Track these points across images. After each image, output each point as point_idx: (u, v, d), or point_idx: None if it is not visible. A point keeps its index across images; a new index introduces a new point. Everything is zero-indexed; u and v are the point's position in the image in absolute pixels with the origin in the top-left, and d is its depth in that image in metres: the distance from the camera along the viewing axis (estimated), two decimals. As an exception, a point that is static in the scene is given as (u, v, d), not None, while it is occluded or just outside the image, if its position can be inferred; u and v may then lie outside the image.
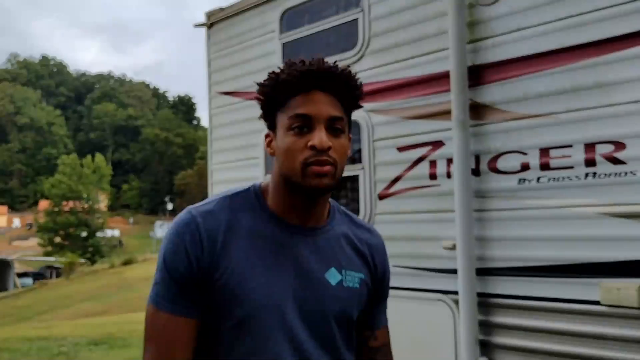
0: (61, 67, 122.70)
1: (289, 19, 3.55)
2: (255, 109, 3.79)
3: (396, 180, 2.93)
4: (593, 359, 2.25)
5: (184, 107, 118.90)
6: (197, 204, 1.26)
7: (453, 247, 2.65)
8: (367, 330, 1.37)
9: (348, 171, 3.18)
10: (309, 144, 1.16)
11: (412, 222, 2.88)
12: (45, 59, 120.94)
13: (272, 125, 1.24)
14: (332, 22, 3.28)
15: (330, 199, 1.33)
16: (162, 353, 1.18)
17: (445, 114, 2.71)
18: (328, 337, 1.25)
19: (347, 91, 1.22)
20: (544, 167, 2.41)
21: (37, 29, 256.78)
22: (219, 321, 1.20)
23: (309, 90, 1.18)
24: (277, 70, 1.22)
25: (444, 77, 2.72)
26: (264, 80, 1.23)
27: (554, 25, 2.43)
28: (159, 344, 1.19)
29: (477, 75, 2.65)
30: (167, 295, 1.19)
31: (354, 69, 3.24)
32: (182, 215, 1.23)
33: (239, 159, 3.75)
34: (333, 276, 1.25)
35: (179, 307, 1.19)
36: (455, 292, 2.61)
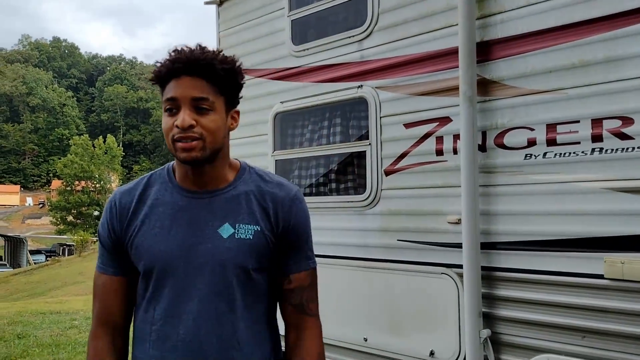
0: (73, 49, 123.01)
1: (298, -4, 3.54)
2: (264, 86, 3.81)
3: (403, 156, 2.95)
4: (596, 332, 2.28)
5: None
6: (125, 185, 1.58)
7: (458, 222, 2.67)
8: (281, 277, 1.53)
9: (355, 147, 3.21)
10: (174, 123, 1.38)
11: (418, 197, 2.90)
12: (56, 41, 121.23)
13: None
14: (341, -2, 3.27)
15: (243, 162, 1.57)
16: (102, 306, 1.51)
17: (453, 90, 2.72)
18: (222, 284, 1.43)
19: (214, 73, 1.38)
20: (551, 142, 2.42)
21: (48, 11, 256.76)
22: (136, 274, 1.50)
23: (178, 76, 1.38)
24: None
25: (452, 53, 2.72)
26: (155, 68, 1.44)
27: (563, 0, 2.42)
28: (100, 299, 1.52)
29: (486, 51, 2.64)
30: (101, 259, 1.54)
31: (362, 45, 3.24)
32: (110, 195, 1.55)
33: (248, 135, 3.78)
34: (226, 230, 1.44)
35: (108, 268, 1.52)
36: (460, 266, 2.64)
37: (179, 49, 1.41)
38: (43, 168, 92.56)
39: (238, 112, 1.51)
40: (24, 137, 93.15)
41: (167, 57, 1.41)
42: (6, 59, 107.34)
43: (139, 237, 1.46)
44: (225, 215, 1.46)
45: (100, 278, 1.53)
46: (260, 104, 3.69)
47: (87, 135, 58.41)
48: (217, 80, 1.40)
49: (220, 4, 4.06)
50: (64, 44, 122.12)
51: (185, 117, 1.37)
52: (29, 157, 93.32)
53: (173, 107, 1.39)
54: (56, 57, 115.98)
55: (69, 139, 66.57)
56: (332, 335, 2.96)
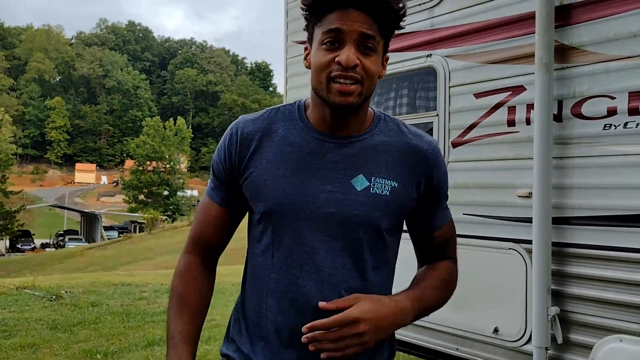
0: (146, 33, 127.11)
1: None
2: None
3: (471, 127, 2.86)
4: (675, 314, 2.14)
5: (261, 74, 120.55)
6: (249, 114, 1.40)
7: (529, 196, 2.56)
8: (424, 234, 1.42)
9: (421, 118, 3.13)
10: (336, 59, 1.19)
11: (486, 170, 2.80)
12: (131, 25, 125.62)
13: (310, 39, 1.28)
14: (412, -35, 3.19)
15: (377, 110, 1.38)
16: (200, 228, 1.41)
17: (528, 57, 2.60)
18: (350, 241, 1.27)
19: (385, 11, 1.21)
20: (633, 111, 2.27)
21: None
22: (251, 214, 1.38)
23: (346, 8, 1.20)
24: None
25: (528, 18, 2.60)
26: None
27: (653, -42, 2.25)
28: (199, 220, 1.42)
29: (565, 15, 2.51)
30: (211, 186, 1.41)
31: (433, 13, 3.14)
32: (232, 122, 1.38)
33: (313, 107, 3.77)
34: (360, 182, 1.27)
35: (216, 196, 1.39)
36: (529, 242, 2.53)
37: None
38: (117, 148, 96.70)
39: (387, 58, 1.33)
40: (100, 118, 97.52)
41: None
42: (85, 42, 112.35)
43: (260, 175, 1.30)
44: (361, 166, 1.29)
45: (206, 201, 1.41)
46: (326, 75, 3.67)
47: (159, 117, 60.39)
48: (385, 21, 1.23)
49: (288, -25, 4.05)
50: (138, 27, 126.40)
51: (350, 54, 1.19)
52: (104, 137, 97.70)
53: (336, 40, 1.20)
54: (131, 41, 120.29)
55: (142, 121, 69.17)
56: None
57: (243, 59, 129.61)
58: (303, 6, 1.25)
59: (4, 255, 33.65)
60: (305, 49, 1.31)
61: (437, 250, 1.43)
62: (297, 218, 1.27)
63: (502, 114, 2.73)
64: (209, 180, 1.42)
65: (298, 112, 1.34)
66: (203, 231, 1.40)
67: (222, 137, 1.37)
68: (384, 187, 1.28)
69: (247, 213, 1.40)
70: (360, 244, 1.28)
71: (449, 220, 1.44)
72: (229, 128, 1.37)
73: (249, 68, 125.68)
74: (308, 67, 1.28)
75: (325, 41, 1.21)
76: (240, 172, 1.32)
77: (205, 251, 1.40)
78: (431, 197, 1.36)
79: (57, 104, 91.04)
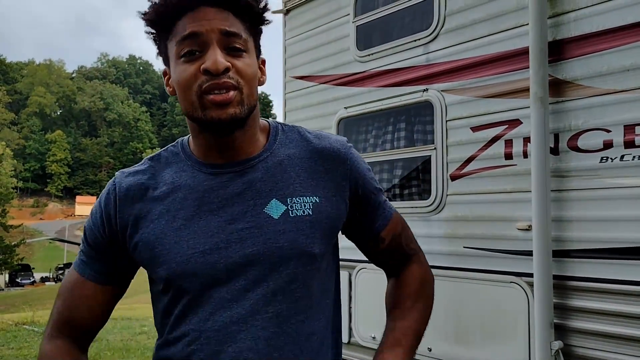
0: (147, 66, 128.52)
1: (363, 2, 3.55)
2: (328, 92, 3.84)
3: (469, 160, 2.87)
4: (680, 348, 2.12)
5: (261, 104, 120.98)
6: (128, 168, 1.17)
7: (528, 228, 2.56)
8: (370, 241, 1.23)
9: (420, 152, 3.15)
10: (202, 67, 0.98)
11: (485, 202, 2.81)
12: (132, 58, 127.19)
13: (166, 60, 1.07)
14: (406, 2, 3.25)
15: (268, 120, 1.19)
16: (64, 310, 1.13)
17: (523, 91, 2.63)
18: (282, 280, 1.05)
19: (241, 3, 1.02)
20: (629, 144, 2.29)
21: (126, 29, 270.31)
22: (152, 283, 1.13)
23: (194, 8, 0.99)
24: None
25: (522, 54, 2.64)
26: (146, 9, 1.04)
27: (643, -5, 2.29)
28: (65, 300, 1.14)
29: (558, 50, 2.54)
30: (82, 259, 1.14)
31: (428, 48, 3.20)
32: (109, 181, 1.15)
33: (312, 141, 3.80)
34: (275, 208, 1.07)
35: (89, 271, 1.12)
36: (530, 275, 2.52)
37: None
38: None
39: (264, 61, 1.14)
40: (101, 151, 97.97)
41: None
42: (86, 76, 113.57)
43: (153, 234, 1.05)
44: (271, 190, 1.07)
45: (74, 278, 1.13)
46: (325, 110, 3.71)
47: (159, 148, 60.54)
48: (245, 13, 1.03)
49: (286, 12, 4.13)
50: (139, 61, 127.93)
51: (217, 57, 0.98)
52: (105, 170, 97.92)
53: (195, 47, 0.99)
54: (132, 74, 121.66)
55: (142, 153, 69.51)
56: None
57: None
58: (145, 22, 1.04)
59: (3, 290, 33.37)
60: (164, 74, 1.11)
61: (393, 251, 1.25)
62: (213, 277, 1.03)
63: (499, 147, 2.75)
64: (79, 252, 1.16)
65: (183, 151, 1.13)
66: (71, 313, 1.13)
67: (98, 199, 1.14)
68: (304, 205, 1.08)
69: (148, 282, 1.14)
70: (295, 281, 1.06)
71: (393, 214, 1.25)
72: (105, 187, 1.14)
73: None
74: (172, 92, 1.08)
75: (182, 53, 1.00)
76: (125, 236, 1.08)
77: (76, 334, 1.14)
78: (362, 199, 1.18)
79: (58, 137, 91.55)
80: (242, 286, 1.03)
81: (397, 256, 1.27)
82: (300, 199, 1.08)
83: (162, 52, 1.07)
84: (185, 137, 1.16)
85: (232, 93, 0.99)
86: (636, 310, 2.24)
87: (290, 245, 1.05)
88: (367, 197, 1.19)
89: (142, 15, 1.03)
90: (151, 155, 1.16)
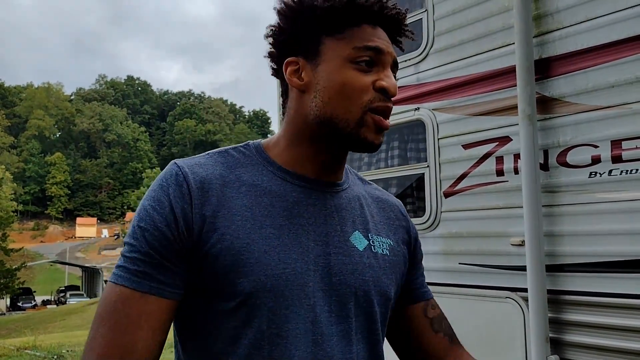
0: (145, 87, 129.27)
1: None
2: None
3: (462, 177, 2.92)
4: (673, 359, 2.14)
5: (259, 121, 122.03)
6: (186, 158, 0.99)
7: (522, 244, 2.60)
8: (420, 302, 1.12)
9: (413, 170, 3.19)
10: (379, 84, 0.92)
11: (478, 219, 2.85)
12: (130, 79, 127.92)
13: (307, 50, 0.96)
14: (397, 23, 3.31)
15: None
16: (117, 337, 0.84)
17: (512, 109, 2.68)
18: (364, 318, 0.97)
19: (399, 40, 1.00)
20: (616, 159, 2.33)
21: (123, 50, 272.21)
22: (213, 303, 0.89)
23: (374, 24, 0.95)
24: None
25: (509, 72, 2.69)
26: None
27: (624, 13, 2.35)
28: (116, 324, 0.85)
29: (545, 68, 2.60)
30: (136, 268, 0.87)
31: (418, 68, 3.24)
32: (166, 168, 0.95)
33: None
34: (359, 240, 0.99)
35: (152, 283, 0.87)
36: (525, 290, 2.55)
37: None
38: (118, 201, 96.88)
39: None
40: (100, 172, 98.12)
41: None
42: (84, 97, 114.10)
43: (238, 238, 0.89)
44: (353, 221, 1.00)
45: (127, 296, 0.86)
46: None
47: (159, 168, 60.84)
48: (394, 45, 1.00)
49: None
50: (137, 81, 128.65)
51: (395, 81, 0.94)
52: (105, 191, 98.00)
53: (375, 60, 0.93)
54: (130, 95, 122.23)
55: (142, 172, 69.62)
56: (394, 361, 2.92)
57: (241, 107, 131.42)
58: (317, 10, 0.94)
59: (4, 314, 33.26)
60: (292, 63, 0.97)
61: (445, 323, 1.13)
62: (300, 298, 0.90)
63: (490, 164, 2.79)
64: (126, 263, 0.88)
65: (258, 154, 1.00)
66: (130, 339, 0.84)
67: (154, 189, 0.91)
68: (383, 245, 1.02)
69: (190, 304, 0.91)
70: (375, 322, 0.98)
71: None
72: (164, 174, 0.93)
73: (247, 116, 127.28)
74: (300, 87, 0.96)
75: (360, 59, 0.92)
76: (201, 237, 0.88)
77: None
78: (414, 262, 1.12)
79: (57, 159, 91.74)
80: (326, 319, 0.92)
81: (450, 337, 1.12)
82: (379, 238, 1.03)
83: (304, 40, 0.96)
84: (257, 141, 1.04)
85: (389, 121, 0.96)
86: (629, 323, 2.26)
87: (374, 281, 0.98)
88: (419, 258, 1.14)
89: (322, 3, 0.93)
90: (214, 150, 1.01)
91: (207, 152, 1.00)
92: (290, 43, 0.97)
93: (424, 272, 1.18)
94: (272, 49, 1.00)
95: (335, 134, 0.94)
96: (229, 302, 0.88)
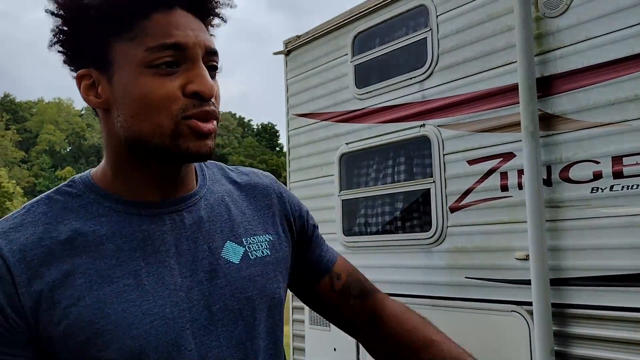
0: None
1: (360, 42, 3.70)
2: (330, 128, 3.96)
3: (467, 192, 2.97)
4: (676, 372, 2.18)
5: (267, 134, 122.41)
6: (4, 220, 0.81)
7: (526, 258, 2.64)
8: (324, 281, 1.03)
9: (419, 185, 3.25)
10: (190, 88, 0.77)
11: (484, 233, 2.89)
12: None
13: (96, 59, 0.80)
14: (402, 42, 3.40)
15: None
16: None
17: (515, 125, 2.73)
18: (247, 330, 0.86)
19: (214, 13, 0.85)
20: (617, 175, 2.38)
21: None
22: None
23: (169, 8, 0.78)
24: None
25: (512, 89, 2.75)
26: None
27: (622, 33, 2.41)
28: None
29: (546, 86, 2.66)
30: None
31: (423, 85, 3.32)
32: None
33: (314, 177, 3.91)
34: (233, 251, 0.87)
35: None
36: (529, 303, 2.59)
37: None
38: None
39: None
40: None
41: None
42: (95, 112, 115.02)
43: (87, 308, 0.75)
44: (222, 230, 0.88)
45: None
46: (326, 146, 3.83)
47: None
48: (212, 23, 0.86)
49: (287, 54, 4.29)
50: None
51: (210, 80, 0.79)
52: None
53: (180, 58, 0.77)
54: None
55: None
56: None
57: (249, 121, 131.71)
58: (91, 9, 0.76)
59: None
60: (84, 77, 0.81)
61: (353, 289, 1.04)
62: (180, 345, 0.78)
63: (495, 180, 2.84)
64: None
65: (89, 191, 0.83)
66: None
67: None
68: (261, 245, 0.91)
69: None
70: (269, 335, 0.90)
71: (337, 253, 1.08)
72: None
73: (255, 130, 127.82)
74: (101, 106, 0.82)
75: (158, 63, 0.76)
76: (39, 320, 0.74)
77: None
78: (305, 236, 1.02)
79: (67, 173, 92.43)
80: (216, 356, 0.82)
81: (360, 294, 1.04)
82: (254, 239, 0.91)
83: (87, 48, 0.80)
84: (84, 174, 0.88)
85: (215, 123, 0.81)
86: (632, 336, 2.30)
87: (259, 293, 0.88)
88: (310, 233, 1.03)
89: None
90: (34, 200, 0.84)
91: (25, 205, 0.83)
92: (75, 52, 0.81)
93: (326, 242, 1.09)
94: (64, 60, 0.83)
95: (154, 152, 0.79)
96: None
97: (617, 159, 2.39)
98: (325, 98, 3.90)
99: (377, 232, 3.51)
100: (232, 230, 0.89)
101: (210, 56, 0.81)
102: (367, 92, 3.58)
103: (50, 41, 0.81)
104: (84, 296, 0.75)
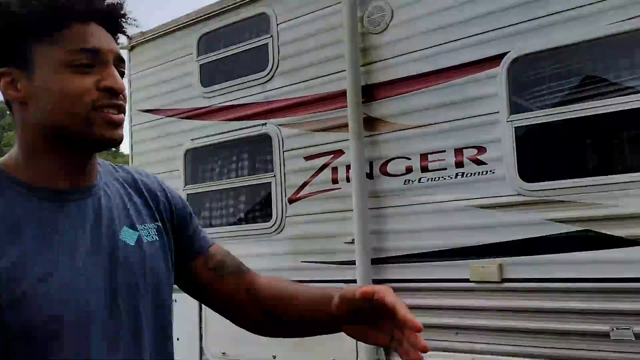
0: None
1: (205, 43, 3.87)
2: (175, 124, 4.06)
3: (304, 185, 3.30)
4: (466, 328, 2.69)
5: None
6: None
7: (352, 242, 3.04)
8: (198, 261, 1.13)
9: (261, 179, 3.52)
10: (103, 84, 0.91)
11: (318, 222, 3.25)
12: None
13: (18, 60, 0.92)
14: (246, 46, 3.64)
15: None
16: None
17: (344, 126, 3.12)
18: (153, 311, 1.00)
19: (122, 30, 1.00)
20: (424, 169, 2.86)
21: None
22: None
23: (86, 20, 0.93)
24: None
25: (342, 95, 3.14)
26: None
27: (430, 50, 2.90)
28: None
29: (370, 93, 3.08)
30: None
31: (265, 87, 3.58)
32: None
33: (159, 172, 4.00)
34: (129, 236, 1.00)
35: None
36: (354, 281, 2.99)
37: None
38: None
39: None
40: None
41: None
42: None
43: (15, 281, 0.85)
44: (119, 216, 1.01)
45: None
46: (172, 141, 3.94)
47: None
48: (117, 39, 1.00)
49: (131, 49, 4.30)
50: None
51: (119, 78, 0.94)
52: None
53: (94, 61, 0.92)
54: None
55: None
56: (240, 355, 3.21)
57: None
58: (15, 17, 0.90)
59: None
60: (1, 75, 0.93)
61: (228, 264, 1.15)
62: (88, 316, 0.90)
63: (327, 174, 3.21)
64: None
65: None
66: None
67: None
68: (151, 232, 1.04)
69: None
70: (161, 307, 1.03)
71: (213, 242, 1.18)
72: None
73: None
74: (20, 99, 0.93)
75: (76, 63, 0.90)
76: None
77: None
78: (182, 225, 1.13)
79: None
80: (114, 325, 0.93)
81: (236, 271, 1.15)
82: (145, 226, 1.04)
83: (14, 50, 0.92)
84: None
85: (123, 115, 0.95)
86: (436, 302, 2.79)
87: (150, 271, 1.00)
88: (187, 221, 1.14)
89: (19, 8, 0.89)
90: None
91: None
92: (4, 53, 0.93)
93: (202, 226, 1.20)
94: None
95: (69, 140, 0.92)
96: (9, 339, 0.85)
97: (424, 156, 2.87)
98: (170, 94, 4.00)
99: (222, 224, 3.71)
100: (128, 217, 1.02)
101: (119, 62, 0.96)
102: (213, 91, 3.77)
103: None
104: (14, 271, 0.85)
